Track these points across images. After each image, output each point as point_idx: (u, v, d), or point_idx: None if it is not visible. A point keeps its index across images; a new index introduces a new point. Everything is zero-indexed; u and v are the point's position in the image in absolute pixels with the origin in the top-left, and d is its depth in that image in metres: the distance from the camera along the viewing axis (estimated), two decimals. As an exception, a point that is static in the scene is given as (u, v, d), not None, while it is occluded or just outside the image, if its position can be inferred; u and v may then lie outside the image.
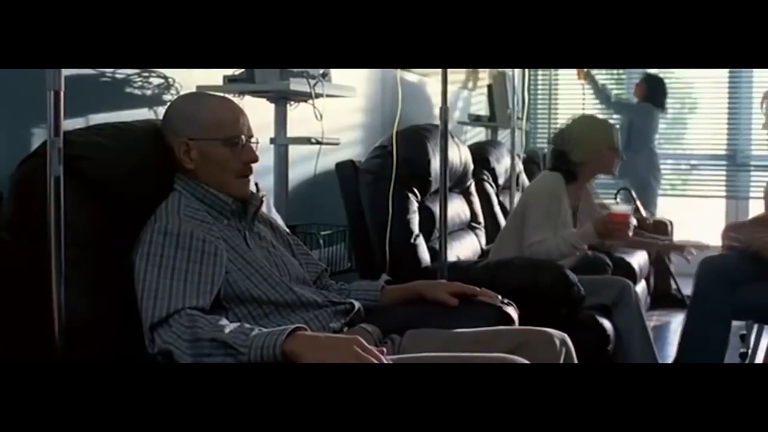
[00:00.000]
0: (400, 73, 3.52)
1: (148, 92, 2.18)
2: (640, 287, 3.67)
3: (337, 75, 2.54)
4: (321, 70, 2.33)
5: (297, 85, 2.22)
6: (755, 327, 3.01)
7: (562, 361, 1.66)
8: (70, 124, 1.56)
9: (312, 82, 2.24)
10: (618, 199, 4.16)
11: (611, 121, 3.21)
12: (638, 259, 3.60)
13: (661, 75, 5.14)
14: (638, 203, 4.58)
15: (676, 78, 5.70)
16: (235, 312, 1.56)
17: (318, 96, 2.28)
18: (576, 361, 1.71)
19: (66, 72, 1.41)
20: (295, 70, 2.25)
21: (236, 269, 1.58)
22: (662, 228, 4.37)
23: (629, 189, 4.34)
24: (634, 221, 2.65)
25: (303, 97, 2.33)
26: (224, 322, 1.41)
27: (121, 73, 2.08)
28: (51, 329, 1.42)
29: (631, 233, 2.66)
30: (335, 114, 2.86)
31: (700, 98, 5.83)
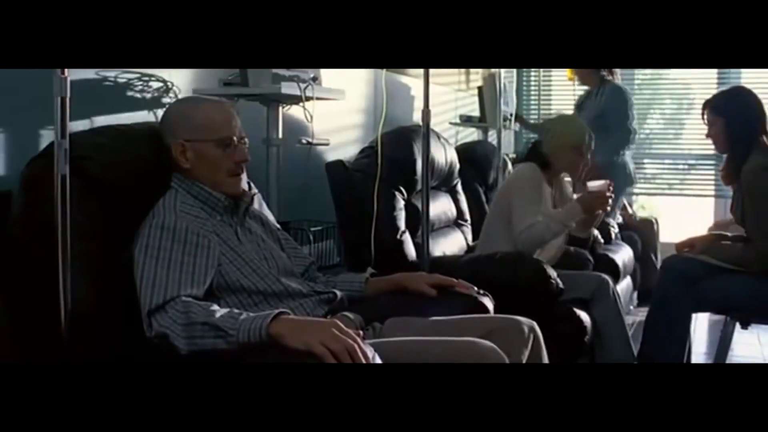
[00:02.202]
0: (394, 75, 3.65)
1: (148, 96, 2.28)
2: (625, 283, 3.79)
3: (330, 79, 2.65)
4: (311, 74, 2.45)
5: (288, 88, 2.33)
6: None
7: (529, 347, 1.78)
8: (74, 125, 1.65)
9: (302, 85, 2.36)
10: None
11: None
12: (622, 256, 3.71)
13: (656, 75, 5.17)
14: (625, 202, 4.70)
15: (672, 78, 5.81)
16: (226, 301, 1.67)
17: (308, 99, 2.40)
18: (544, 347, 1.83)
19: (71, 77, 1.52)
20: (286, 74, 2.37)
21: (228, 261, 1.69)
22: (648, 225, 4.50)
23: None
24: (610, 194, 2.79)
25: (294, 100, 2.45)
26: (215, 307, 1.51)
27: (123, 77, 2.19)
28: (57, 317, 1.53)
29: (609, 205, 2.82)
30: (329, 116, 2.98)
31: (695, 98, 5.92)
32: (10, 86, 1.79)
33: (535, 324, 1.82)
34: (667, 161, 5.85)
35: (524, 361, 1.75)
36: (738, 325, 3.01)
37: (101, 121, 2.04)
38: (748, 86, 2.94)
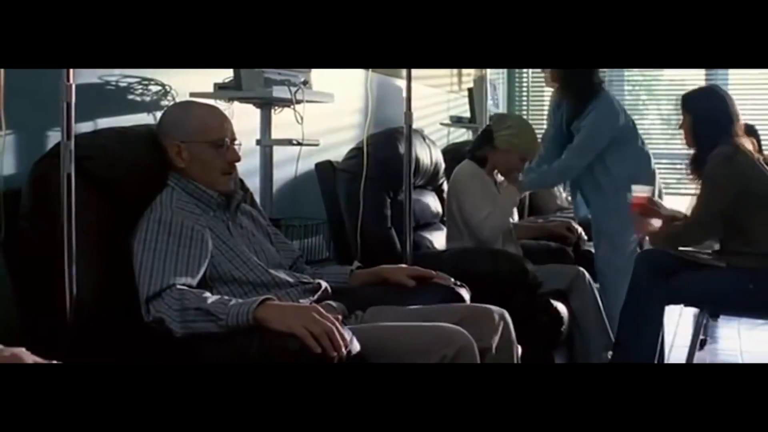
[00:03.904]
0: (387, 78, 3.77)
1: (147, 99, 2.40)
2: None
3: (322, 82, 2.77)
4: (302, 78, 2.58)
5: (280, 92, 2.47)
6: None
7: (499, 333, 1.91)
8: (78, 127, 1.75)
9: (293, 89, 2.49)
10: None
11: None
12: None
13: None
14: None
15: (669, 78, 5.92)
16: (219, 290, 1.79)
17: (299, 102, 2.53)
18: (513, 334, 1.96)
19: (75, 82, 1.63)
20: (278, 78, 2.50)
21: (220, 254, 1.82)
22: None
23: None
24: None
25: (286, 102, 2.58)
26: (207, 294, 1.65)
27: (124, 81, 2.31)
28: (63, 304, 1.65)
29: (657, 219, 2.76)
30: (323, 117, 3.09)
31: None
32: (18, 90, 1.91)
33: (505, 312, 1.96)
34: (663, 161, 5.94)
35: (494, 346, 1.88)
36: (721, 319, 3.13)
37: (104, 123, 2.15)
38: (739, 86, 2.96)
